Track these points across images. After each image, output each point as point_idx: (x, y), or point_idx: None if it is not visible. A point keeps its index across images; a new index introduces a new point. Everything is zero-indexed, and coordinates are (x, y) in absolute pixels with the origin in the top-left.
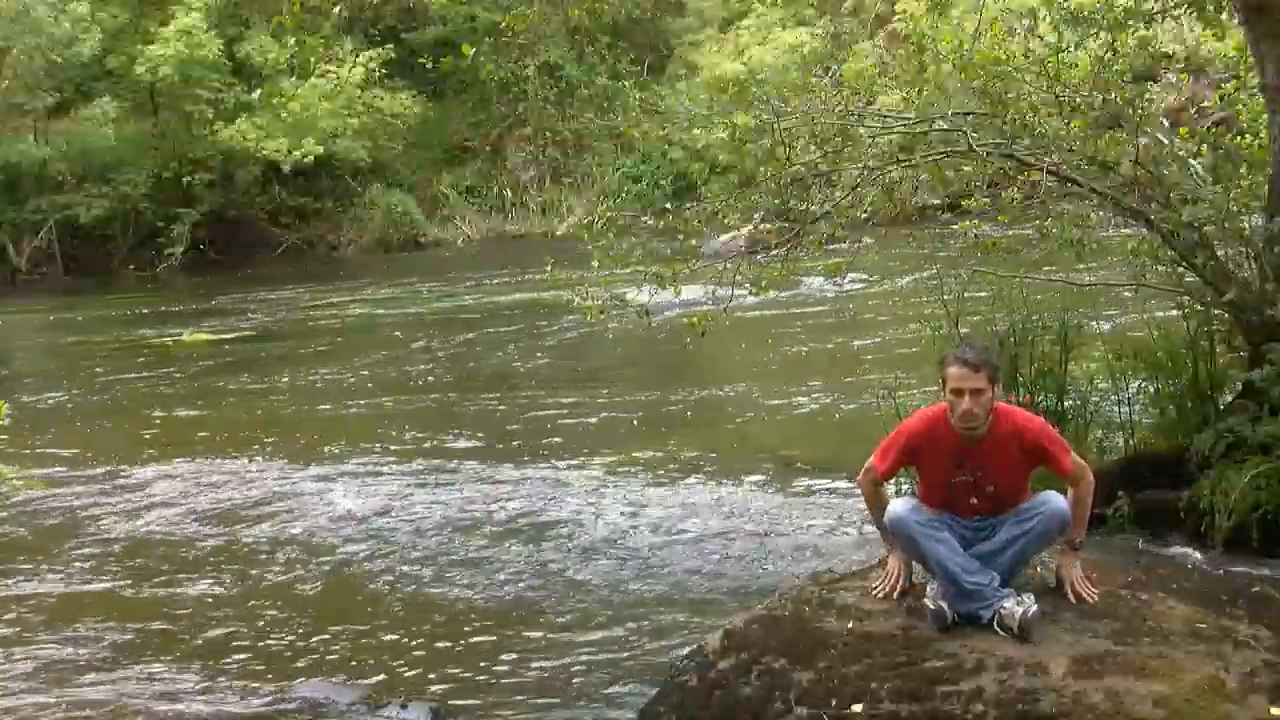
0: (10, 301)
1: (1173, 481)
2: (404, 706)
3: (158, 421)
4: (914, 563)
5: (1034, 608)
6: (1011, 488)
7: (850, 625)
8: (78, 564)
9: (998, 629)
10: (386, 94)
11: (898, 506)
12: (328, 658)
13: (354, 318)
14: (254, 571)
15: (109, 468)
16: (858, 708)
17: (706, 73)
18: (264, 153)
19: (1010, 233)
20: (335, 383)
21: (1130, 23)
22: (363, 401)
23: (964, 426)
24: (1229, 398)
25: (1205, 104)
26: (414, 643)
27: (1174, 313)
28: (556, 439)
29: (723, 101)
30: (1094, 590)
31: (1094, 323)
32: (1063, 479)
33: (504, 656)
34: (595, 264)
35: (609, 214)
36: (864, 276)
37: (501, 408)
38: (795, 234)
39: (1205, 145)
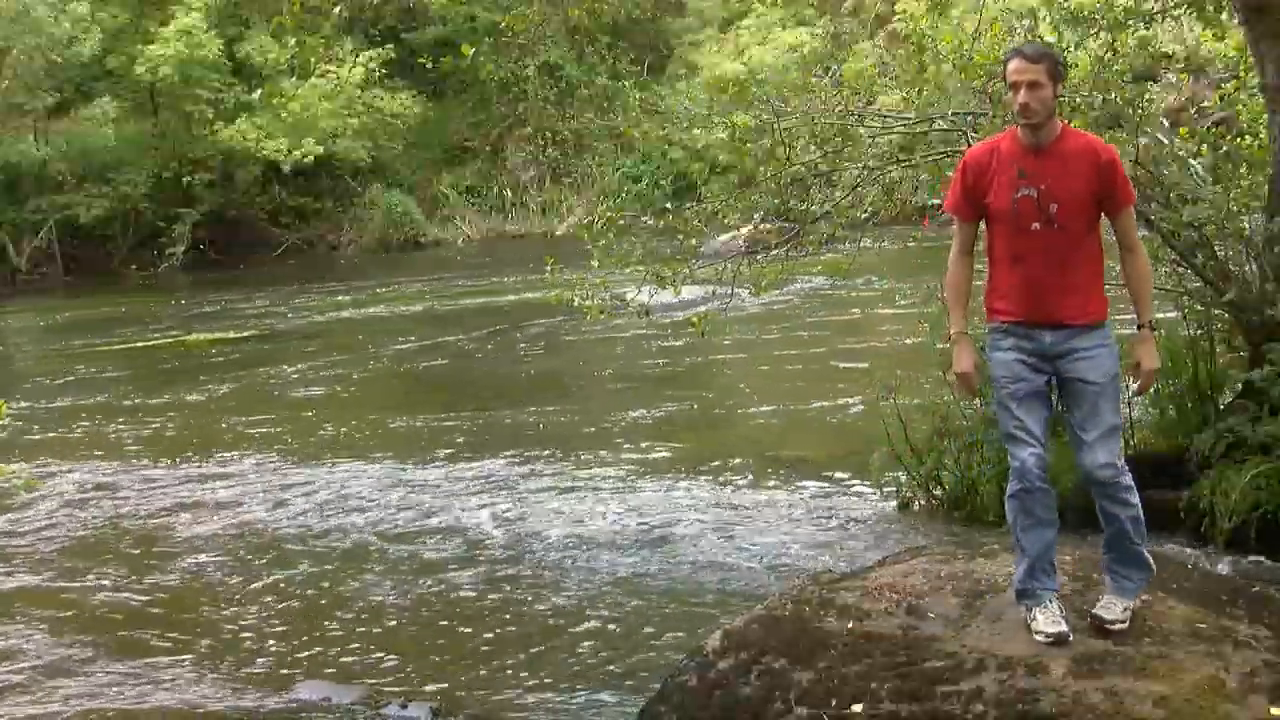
0: (10, 301)
1: (1173, 481)
2: (404, 706)
3: (157, 421)
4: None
5: (1070, 636)
6: (1073, 212)
7: (850, 625)
8: (76, 563)
9: (1025, 617)
10: (386, 94)
11: (1008, 486)
12: (328, 658)
13: (354, 318)
14: (254, 571)
15: (108, 467)
16: (858, 708)
17: (706, 73)
18: (264, 153)
19: None
20: (336, 383)
21: (1130, 23)
22: (362, 402)
23: (1023, 121)
24: (1229, 398)
25: (1205, 104)
26: (414, 643)
27: (1174, 313)
28: (555, 439)
29: (723, 101)
30: (1152, 379)
31: None
32: (1116, 215)
33: (504, 656)
34: (595, 264)
35: (609, 214)
36: (864, 276)
37: (501, 408)
38: (795, 234)
39: (1205, 145)
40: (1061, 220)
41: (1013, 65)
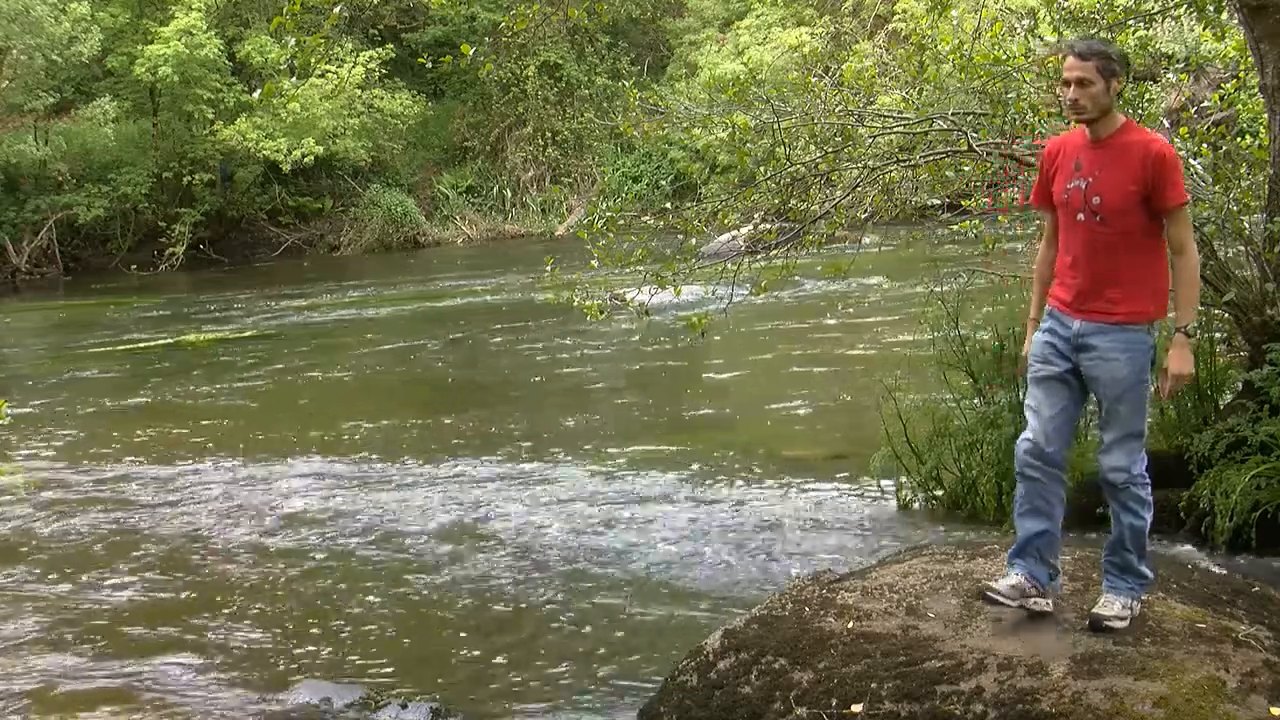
0: (10, 301)
1: (1173, 481)
2: (404, 706)
3: (157, 421)
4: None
5: (1028, 588)
6: (1116, 207)
7: (850, 625)
8: (75, 563)
9: (1018, 595)
10: (386, 94)
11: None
12: (328, 658)
13: (354, 318)
14: (253, 572)
15: (108, 467)
16: (858, 708)
17: (706, 73)
18: (264, 153)
19: (1010, 232)
20: (336, 384)
21: (1130, 23)
22: (363, 403)
23: (1073, 116)
24: (1229, 398)
25: (1205, 104)
26: (414, 643)
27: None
28: (556, 439)
29: (722, 101)
30: (1178, 388)
31: None
32: (1163, 214)
33: (504, 656)
34: (595, 264)
35: (609, 213)
36: (864, 277)
37: (501, 408)
38: (795, 234)
39: (1205, 145)
40: (1104, 214)
41: (1066, 62)
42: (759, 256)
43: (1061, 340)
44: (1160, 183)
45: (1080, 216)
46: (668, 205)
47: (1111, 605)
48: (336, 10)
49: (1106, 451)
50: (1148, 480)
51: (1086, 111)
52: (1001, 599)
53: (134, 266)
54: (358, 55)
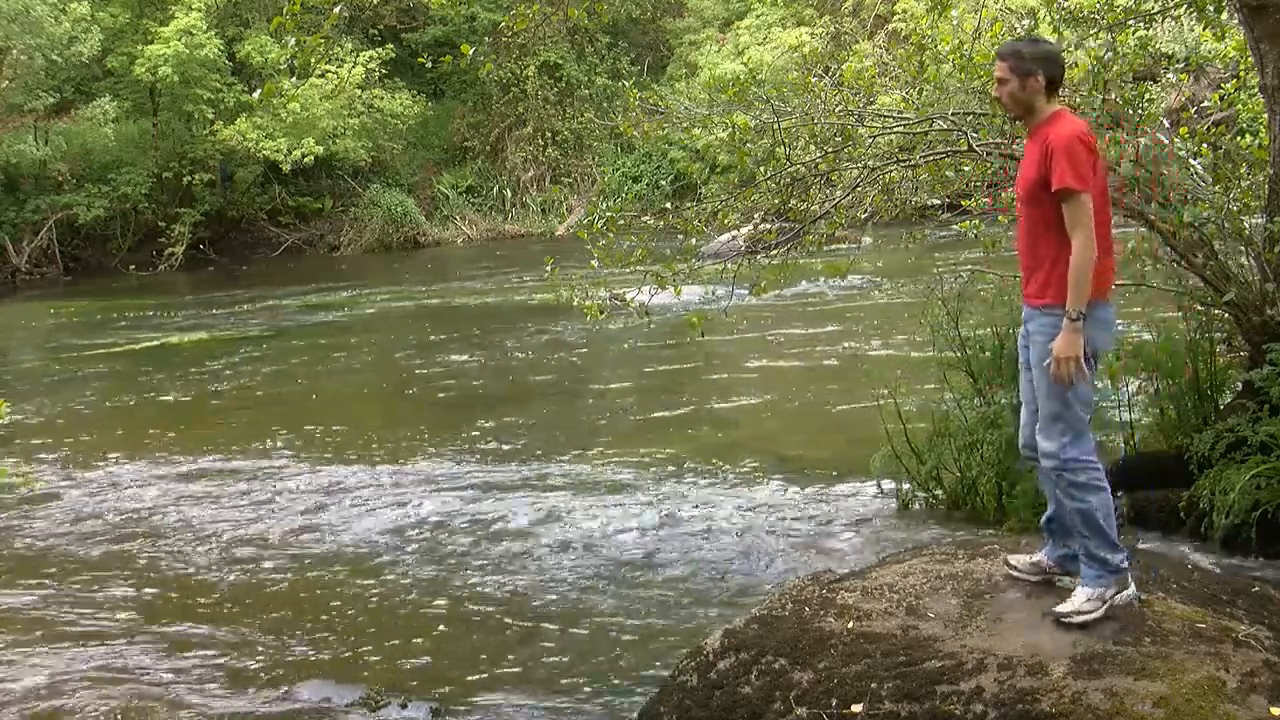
0: (10, 301)
1: (1173, 481)
2: (404, 706)
3: (156, 422)
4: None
5: (1024, 562)
6: (1029, 194)
7: (850, 625)
8: (75, 563)
9: (1035, 571)
10: (386, 94)
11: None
12: (328, 658)
13: (354, 318)
14: (252, 572)
15: (108, 467)
16: (858, 708)
17: (706, 73)
18: (264, 153)
19: (1010, 233)
20: (335, 384)
21: (1130, 23)
22: (362, 403)
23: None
24: (1229, 398)
25: (1205, 104)
26: (414, 643)
27: (1174, 313)
28: (555, 439)
29: (722, 101)
30: (1063, 372)
31: None
32: (1058, 199)
33: (504, 656)
34: (595, 263)
35: (609, 213)
36: (864, 276)
37: (500, 408)
38: (795, 234)
39: (1205, 145)
40: (1024, 200)
41: None
42: (759, 257)
43: (1024, 327)
44: (1047, 169)
45: (1018, 205)
46: (668, 205)
47: (1073, 600)
48: (336, 10)
49: (1038, 433)
50: (1087, 464)
51: (1008, 109)
52: (1017, 572)
53: (134, 266)
54: (358, 55)
